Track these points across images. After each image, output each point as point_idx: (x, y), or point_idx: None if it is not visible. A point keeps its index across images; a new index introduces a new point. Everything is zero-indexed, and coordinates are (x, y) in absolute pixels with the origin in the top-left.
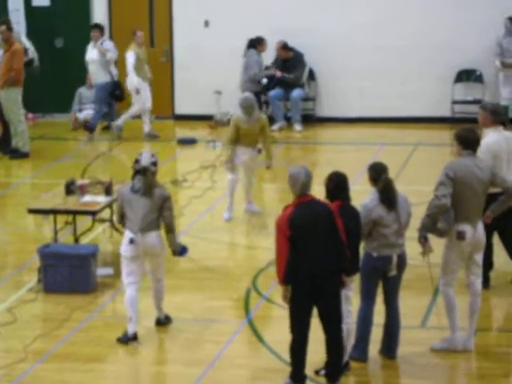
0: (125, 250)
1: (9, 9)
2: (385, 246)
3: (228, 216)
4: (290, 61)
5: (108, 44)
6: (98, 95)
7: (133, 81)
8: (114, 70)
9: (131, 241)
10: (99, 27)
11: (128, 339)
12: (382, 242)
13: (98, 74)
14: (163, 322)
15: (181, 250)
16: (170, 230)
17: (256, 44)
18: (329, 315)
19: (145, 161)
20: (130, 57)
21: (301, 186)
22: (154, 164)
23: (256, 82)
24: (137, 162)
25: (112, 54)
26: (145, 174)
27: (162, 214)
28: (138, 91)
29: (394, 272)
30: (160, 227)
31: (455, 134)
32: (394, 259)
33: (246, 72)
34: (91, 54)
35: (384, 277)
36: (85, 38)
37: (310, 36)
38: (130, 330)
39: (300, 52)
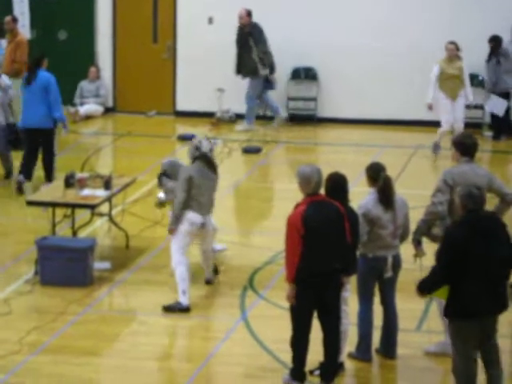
0: (187, 229)
1: (13, 0)
2: (380, 247)
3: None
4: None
5: (5, 79)
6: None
7: None
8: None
9: (202, 225)
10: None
11: (181, 309)
12: (377, 243)
13: None
14: (212, 280)
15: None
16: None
17: None
18: (329, 315)
19: (206, 147)
20: None
21: (314, 185)
22: (211, 150)
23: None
24: (197, 148)
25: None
26: (208, 159)
27: None
28: None
29: (389, 273)
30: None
31: (453, 140)
32: (389, 260)
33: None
34: None
35: (380, 278)
36: (88, 31)
37: (312, 36)
38: (184, 301)
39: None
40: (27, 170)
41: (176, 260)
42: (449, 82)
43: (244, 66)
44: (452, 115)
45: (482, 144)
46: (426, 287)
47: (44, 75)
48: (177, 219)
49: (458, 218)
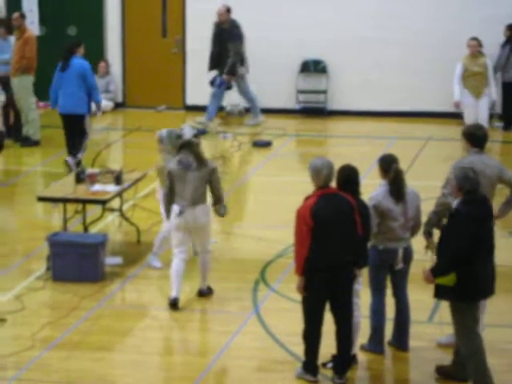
0: (174, 222)
1: None
2: (391, 239)
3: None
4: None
5: None
6: None
7: None
8: None
9: (180, 212)
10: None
11: (170, 304)
12: (388, 236)
13: None
14: (205, 292)
15: (225, 213)
16: (220, 201)
17: None
18: (341, 307)
19: (188, 134)
20: None
21: (324, 177)
22: (196, 136)
23: None
24: (179, 137)
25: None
26: (191, 147)
27: (210, 186)
28: None
29: (400, 265)
30: (207, 200)
31: (463, 132)
32: (400, 252)
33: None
34: None
35: (391, 270)
36: (98, 26)
37: (321, 29)
38: (172, 294)
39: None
40: (75, 147)
41: (173, 253)
42: (472, 80)
43: (221, 63)
44: (475, 113)
45: (493, 134)
46: (440, 270)
47: (78, 62)
48: (167, 213)
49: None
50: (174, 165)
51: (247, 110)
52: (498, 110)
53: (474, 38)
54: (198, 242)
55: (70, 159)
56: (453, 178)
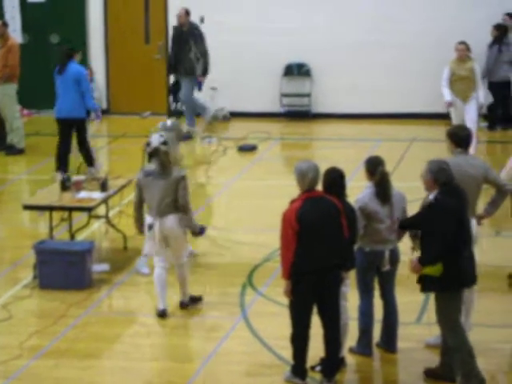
0: (146, 234)
1: (4, 4)
2: (377, 241)
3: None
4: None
5: None
6: None
7: None
8: None
9: (149, 227)
10: None
11: (158, 315)
12: (374, 238)
13: None
14: (186, 304)
15: (200, 230)
16: (185, 211)
17: None
18: (329, 310)
19: (155, 142)
20: None
21: (309, 181)
22: (165, 143)
23: None
24: (148, 145)
25: None
26: (157, 155)
27: (177, 195)
28: None
29: (387, 267)
30: (178, 210)
31: (447, 132)
32: (387, 254)
33: None
34: None
35: (378, 272)
36: (81, 33)
37: (305, 32)
38: (158, 306)
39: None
40: (64, 162)
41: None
42: (459, 84)
43: (181, 66)
44: (462, 116)
45: (479, 135)
46: (429, 260)
47: (75, 67)
48: (136, 223)
49: (434, 192)
50: (140, 174)
51: (232, 115)
52: (483, 110)
53: (462, 42)
54: (171, 254)
55: (58, 175)
56: (426, 173)
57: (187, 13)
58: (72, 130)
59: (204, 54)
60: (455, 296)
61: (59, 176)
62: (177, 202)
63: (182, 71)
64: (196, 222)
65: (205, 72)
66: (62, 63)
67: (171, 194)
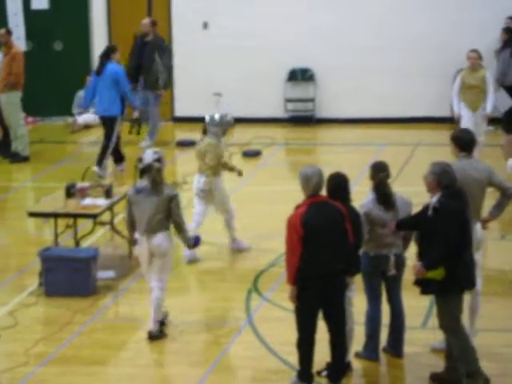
0: (136, 250)
1: (8, 12)
2: (382, 245)
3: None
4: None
5: None
6: None
7: None
8: None
9: (134, 242)
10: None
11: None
12: (378, 242)
13: None
14: (154, 336)
15: (194, 242)
16: (181, 230)
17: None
18: (334, 315)
19: (148, 158)
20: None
21: (314, 186)
22: (158, 160)
23: None
24: (140, 160)
25: None
26: (150, 172)
27: (169, 214)
28: None
29: (393, 271)
30: (168, 227)
31: (451, 136)
32: (392, 259)
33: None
34: None
35: (384, 276)
36: (84, 40)
37: (309, 37)
38: (148, 327)
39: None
40: (118, 155)
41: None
42: (469, 93)
43: (144, 78)
44: (471, 125)
45: (486, 139)
46: (434, 263)
47: (113, 67)
48: (131, 243)
49: (438, 194)
50: (131, 190)
51: (236, 120)
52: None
53: (474, 50)
54: (154, 272)
55: (119, 167)
56: (430, 174)
57: (153, 23)
58: (114, 126)
59: (169, 68)
60: (456, 299)
61: (120, 168)
62: (168, 220)
63: (144, 83)
64: (189, 236)
65: (165, 86)
66: (101, 63)
67: (162, 212)
